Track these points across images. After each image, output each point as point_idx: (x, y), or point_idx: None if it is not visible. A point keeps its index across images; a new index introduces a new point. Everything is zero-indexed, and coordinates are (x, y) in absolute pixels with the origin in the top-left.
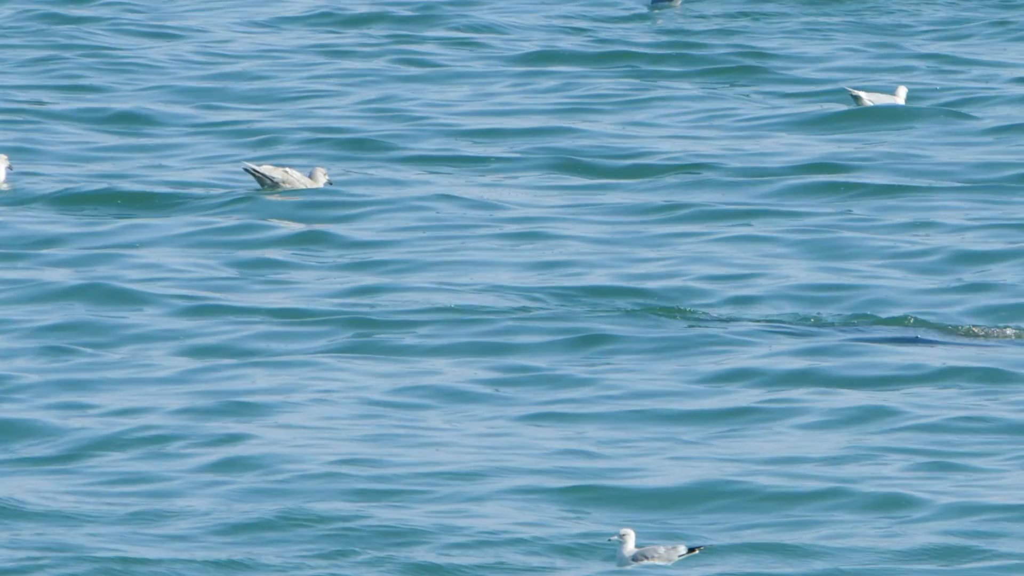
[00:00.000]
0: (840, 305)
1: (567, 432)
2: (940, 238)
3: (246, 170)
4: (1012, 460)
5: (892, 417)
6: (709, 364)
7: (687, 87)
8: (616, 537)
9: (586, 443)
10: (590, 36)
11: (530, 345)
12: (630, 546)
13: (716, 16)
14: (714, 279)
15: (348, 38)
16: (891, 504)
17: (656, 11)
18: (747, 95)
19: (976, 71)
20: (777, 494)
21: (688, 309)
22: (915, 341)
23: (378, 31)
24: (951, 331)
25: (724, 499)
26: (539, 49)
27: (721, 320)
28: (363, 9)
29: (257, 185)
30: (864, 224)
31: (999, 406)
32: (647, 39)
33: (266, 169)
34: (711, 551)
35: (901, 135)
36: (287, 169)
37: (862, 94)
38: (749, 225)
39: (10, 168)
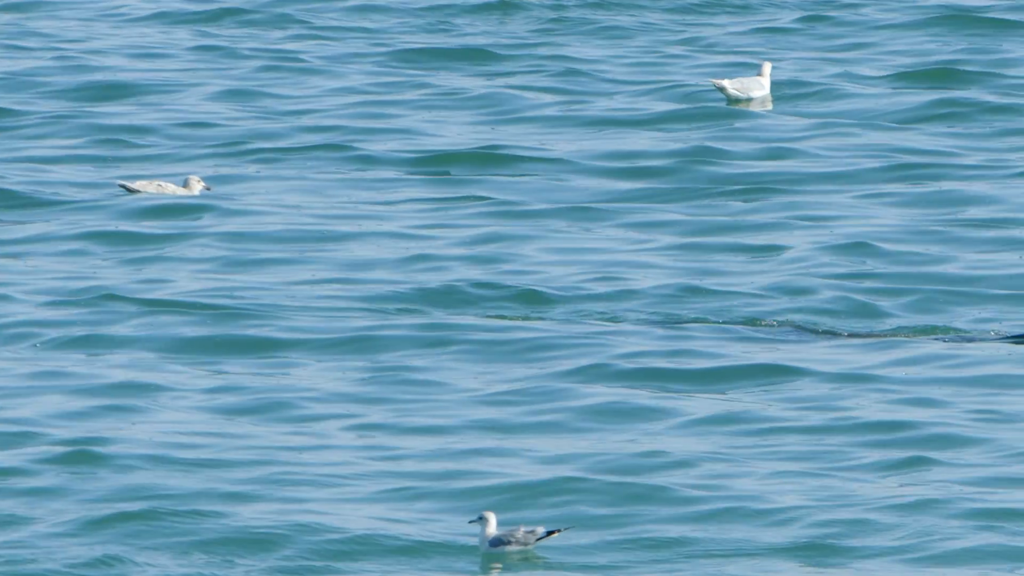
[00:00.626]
0: (703, 305)
1: (427, 431)
2: (804, 236)
3: (121, 186)
4: (864, 460)
5: (749, 416)
6: (565, 362)
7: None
8: (478, 519)
9: (443, 442)
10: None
11: (391, 344)
12: (491, 528)
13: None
14: (579, 278)
15: (213, 32)
16: (744, 500)
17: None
18: (610, 94)
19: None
20: (634, 492)
21: (549, 308)
22: (777, 340)
23: (237, 28)
24: (815, 331)
25: (584, 494)
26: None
27: (578, 319)
28: (224, 4)
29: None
30: (728, 222)
31: (857, 405)
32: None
33: (140, 185)
34: (568, 535)
35: (761, 128)
36: (160, 183)
37: (726, 83)
38: (605, 222)
39: (206, 188)
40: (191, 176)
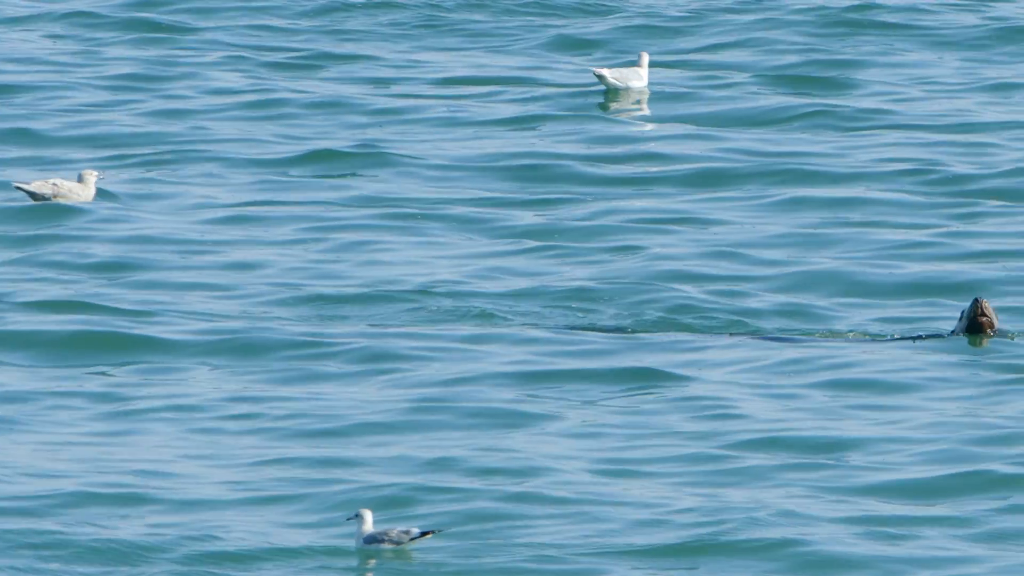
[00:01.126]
0: (572, 310)
1: (307, 435)
2: (667, 239)
3: (16, 188)
4: (745, 464)
5: (626, 421)
6: (439, 367)
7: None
8: (354, 516)
9: (323, 446)
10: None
11: (271, 348)
12: (367, 526)
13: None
14: (455, 283)
15: (85, 36)
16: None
17: None
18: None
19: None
20: (509, 495)
21: (426, 314)
22: (651, 343)
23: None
24: (691, 330)
25: (461, 498)
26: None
27: (456, 322)
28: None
29: (30, 200)
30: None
31: (737, 408)
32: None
33: (35, 186)
34: (443, 536)
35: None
36: (55, 181)
37: (605, 71)
38: (476, 225)
39: (101, 178)
40: (85, 171)
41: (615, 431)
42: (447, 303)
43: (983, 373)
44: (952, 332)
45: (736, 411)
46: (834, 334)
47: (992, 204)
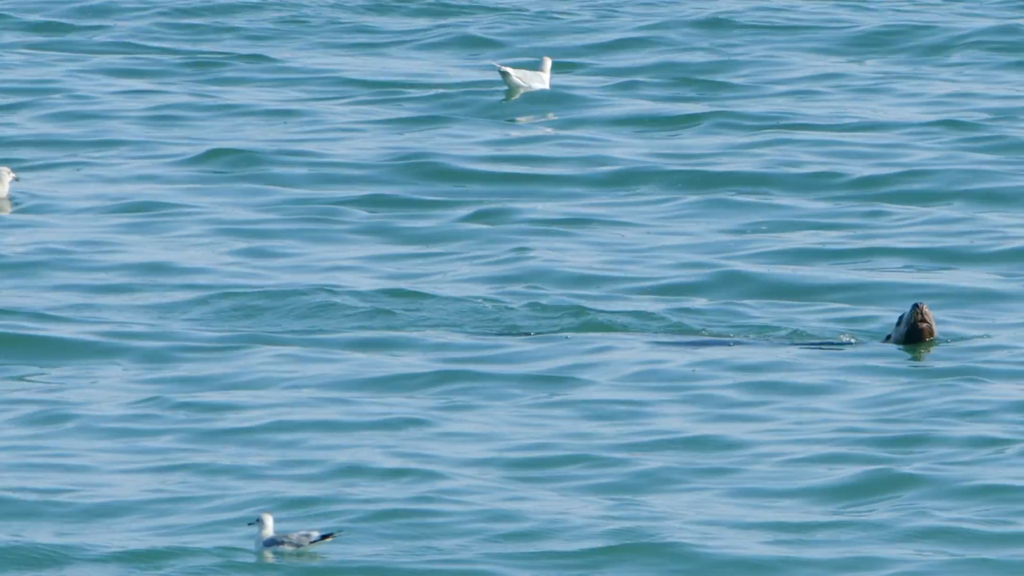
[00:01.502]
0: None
1: (205, 437)
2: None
3: None
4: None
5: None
6: (315, 370)
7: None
8: (255, 521)
9: (216, 452)
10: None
11: (164, 353)
12: (268, 530)
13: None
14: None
15: None
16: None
17: None
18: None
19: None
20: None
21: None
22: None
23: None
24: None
25: (357, 502)
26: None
27: (320, 328)
28: None
29: None
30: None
31: (639, 408)
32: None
33: None
34: (343, 538)
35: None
36: None
37: (510, 70)
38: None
39: (15, 179)
40: (1, 167)
41: (521, 434)
42: (351, 304)
43: (894, 376)
44: (887, 338)
45: (644, 413)
46: (756, 335)
47: (896, 206)
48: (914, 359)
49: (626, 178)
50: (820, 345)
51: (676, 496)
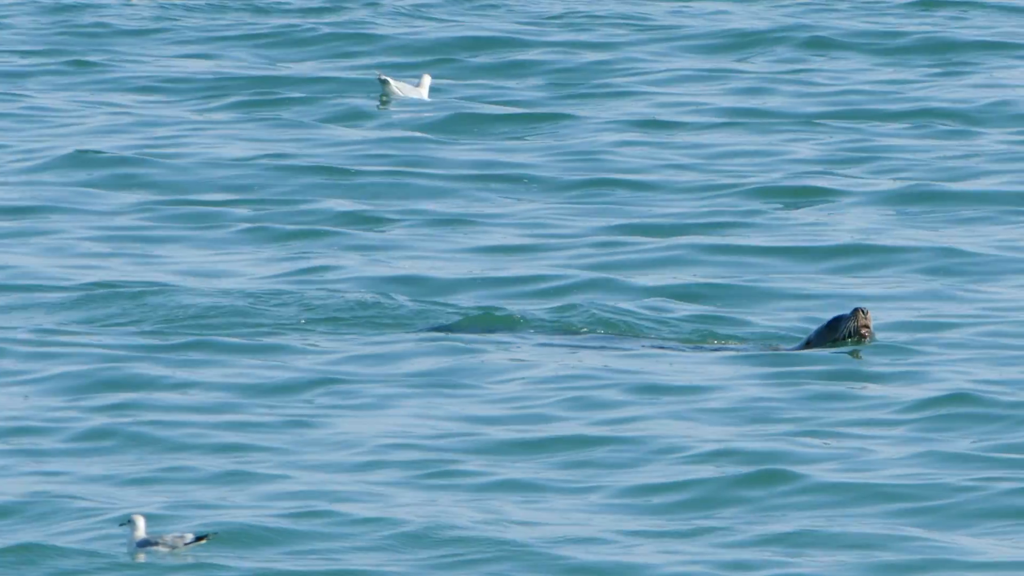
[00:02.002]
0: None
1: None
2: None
3: None
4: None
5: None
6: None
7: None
8: (127, 523)
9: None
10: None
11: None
12: (140, 531)
13: None
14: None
15: None
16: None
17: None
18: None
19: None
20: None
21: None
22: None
23: None
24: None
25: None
26: None
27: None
28: None
29: None
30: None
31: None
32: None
33: None
34: (218, 539)
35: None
36: None
37: (390, 80)
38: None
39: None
40: None
41: (402, 435)
42: (225, 305)
43: (782, 380)
44: (807, 343)
45: (525, 415)
46: (639, 336)
47: (769, 206)
48: (819, 362)
49: (506, 179)
50: (719, 349)
51: (556, 499)
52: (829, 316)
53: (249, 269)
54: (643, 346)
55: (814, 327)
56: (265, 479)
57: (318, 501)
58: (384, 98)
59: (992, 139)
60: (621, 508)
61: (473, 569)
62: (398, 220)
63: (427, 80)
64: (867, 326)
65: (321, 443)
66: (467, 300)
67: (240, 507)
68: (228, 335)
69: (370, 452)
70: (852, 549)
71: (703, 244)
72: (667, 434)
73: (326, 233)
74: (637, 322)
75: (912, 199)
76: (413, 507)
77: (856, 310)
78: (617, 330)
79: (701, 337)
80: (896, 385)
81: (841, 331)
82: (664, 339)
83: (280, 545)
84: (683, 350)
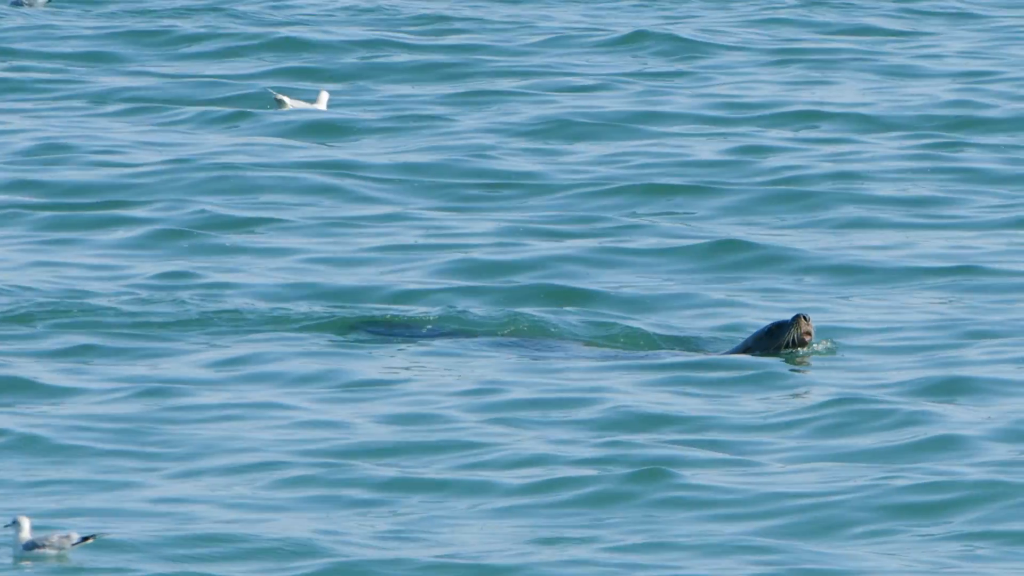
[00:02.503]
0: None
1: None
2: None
3: None
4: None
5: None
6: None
7: None
8: (11, 524)
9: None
10: None
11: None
12: (25, 533)
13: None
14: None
15: None
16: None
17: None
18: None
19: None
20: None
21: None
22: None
23: None
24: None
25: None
26: None
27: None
28: None
29: None
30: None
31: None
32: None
33: None
34: (106, 541)
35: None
36: None
37: (286, 98)
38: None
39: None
40: None
41: (275, 443)
42: (100, 308)
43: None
44: (748, 348)
45: (432, 415)
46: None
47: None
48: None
49: (386, 183)
50: (631, 355)
51: (441, 505)
52: (767, 322)
53: (136, 271)
54: (539, 349)
55: (744, 333)
56: (150, 485)
57: (202, 507)
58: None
59: (879, 143)
60: (506, 512)
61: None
62: (287, 222)
63: (324, 96)
64: (809, 332)
65: (210, 448)
66: (359, 302)
67: (125, 513)
68: (113, 338)
69: (258, 455)
70: (732, 555)
71: (593, 247)
72: (558, 439)
73: (211, 236)
74: (533, 322)
75: (789, 199)
76: (300, 512)
77: (798, 317)
78: (520, 333)
79: (611, 339)
80: (788, 389)
81: (784, 338)
82: (562, 340)
83: (161, 550)
84: (591, 356)
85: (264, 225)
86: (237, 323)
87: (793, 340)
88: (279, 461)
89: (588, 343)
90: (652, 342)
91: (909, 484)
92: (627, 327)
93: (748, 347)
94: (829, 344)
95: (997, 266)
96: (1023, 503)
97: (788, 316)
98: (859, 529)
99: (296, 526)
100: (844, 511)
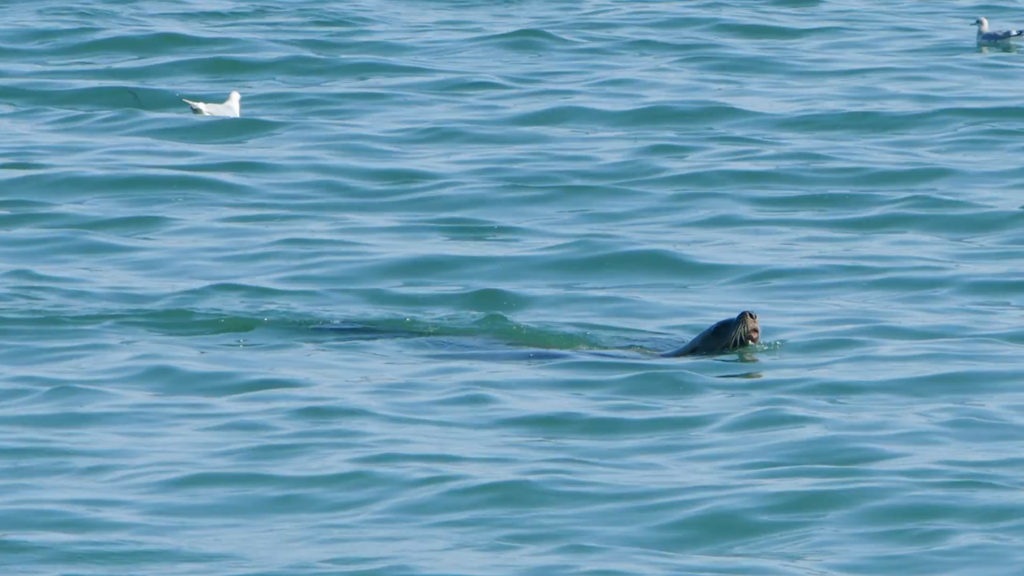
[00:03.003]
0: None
1: None
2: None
3: None
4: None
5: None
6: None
7: None
8: None
9: None
10: None
11: None
12: None
13: None
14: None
15: None
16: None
17: None
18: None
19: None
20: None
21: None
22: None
23: None
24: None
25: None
26: None
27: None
28: None
29: None
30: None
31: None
32: None
33: None
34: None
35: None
36: None
37: (201, 105)
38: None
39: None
40: None
41: (151, 448)
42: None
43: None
44: (694, 349)
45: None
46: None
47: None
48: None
49: (284, 184)
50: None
51: (313, 514)
52: (713, 321)
53: (22, 271)
54: (452, 347)
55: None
56: (54, 487)
57: (107, 510)
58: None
59: (781, 143)
60: (410, 512)
61: None
62: (183, 221)
63: (236, 96)
64: (756, 330)
65: (115, 452)
66: (220, 304)
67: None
68: (11, 338)
69: (161, 456)
70: (631, 558)
71: (493, 245)
72: (461, 437)
73: (77, 237)
74: (442, 320)
75: (692, 199)
76: (168, 516)
77: (744, 314)
78: (431, 332)
79: (538, 339)
80: (705, 391)
81: (731, 337)
82: (473, 339)
83: (64, 552)
84: (509, 356)
85: (161, 224)
86: (134, 324)
87: (740, 338)
88: (181, 462)
89: (511, 343)
90: (595, 343)
91: (816, 489)
92: (545, 325)
93: (695, 347)
94: (776, 343)
95: (879, 264)
96: (926, 508)
97: (734, 315)
98: (759, 532)
99: (198, 528)
100: (744, 514)
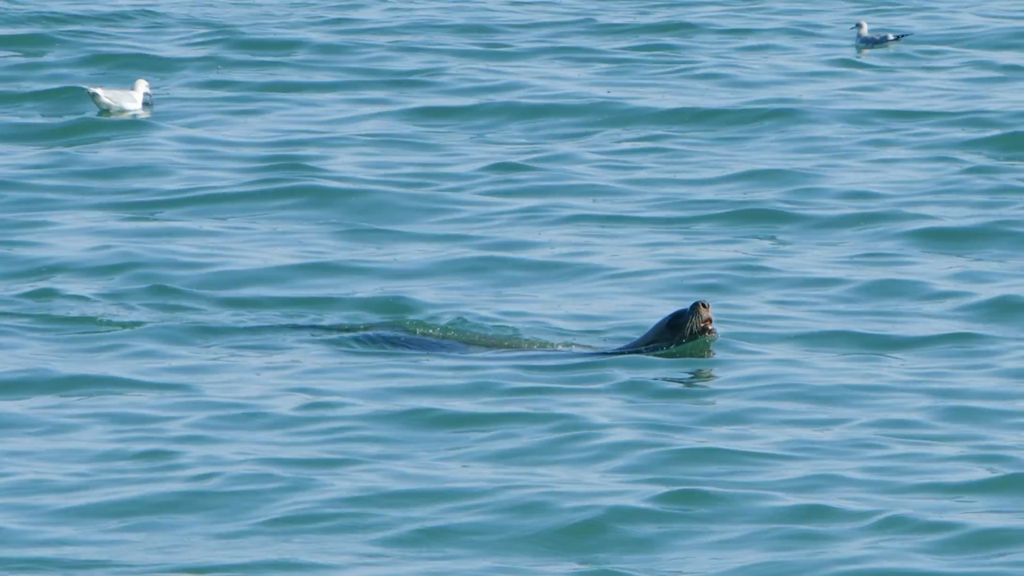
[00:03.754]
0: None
1: None
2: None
3: None
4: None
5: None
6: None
7: None
8: None
9: None
10: None
11: None
12: None
13: None
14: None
15: None
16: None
17: None
18: None
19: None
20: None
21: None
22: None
23: None
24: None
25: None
26: None
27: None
28: None
29: None
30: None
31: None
32: None
33: None
34: None
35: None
36: None
37: (99, 91)
38: None
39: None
40: None
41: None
42: None
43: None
44: (650, 342)
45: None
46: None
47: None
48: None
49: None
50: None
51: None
52: (667, 313)
53: None
54: (378, 343)
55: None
56: None
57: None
58: (104, 113)
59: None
60: (330, 517)
61: None
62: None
63: (141, 85)
64: (710, 319)
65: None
66: (137, 302)
67: None
68: None
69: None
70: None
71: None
72: (382, 437)
73: None
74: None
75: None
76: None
77: (696, 304)
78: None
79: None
80: (639, 387)
81: (685, 328)
82: (403, 335)
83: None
84: (441, 354)
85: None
86: (49, 320)
87: (693, 329)
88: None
89: (443, 336)
90: (542, 339)
91: (690, 490)
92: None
93: (649, 340)
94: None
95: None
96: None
97: (687, 305)
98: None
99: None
100: (615, 520)
